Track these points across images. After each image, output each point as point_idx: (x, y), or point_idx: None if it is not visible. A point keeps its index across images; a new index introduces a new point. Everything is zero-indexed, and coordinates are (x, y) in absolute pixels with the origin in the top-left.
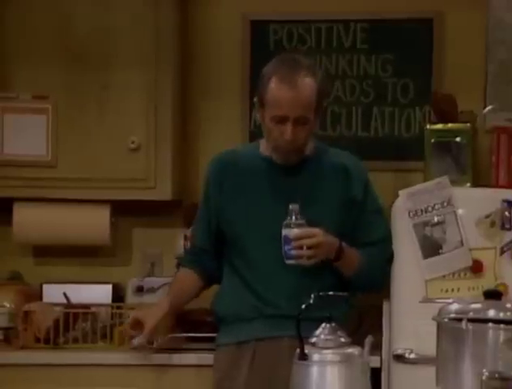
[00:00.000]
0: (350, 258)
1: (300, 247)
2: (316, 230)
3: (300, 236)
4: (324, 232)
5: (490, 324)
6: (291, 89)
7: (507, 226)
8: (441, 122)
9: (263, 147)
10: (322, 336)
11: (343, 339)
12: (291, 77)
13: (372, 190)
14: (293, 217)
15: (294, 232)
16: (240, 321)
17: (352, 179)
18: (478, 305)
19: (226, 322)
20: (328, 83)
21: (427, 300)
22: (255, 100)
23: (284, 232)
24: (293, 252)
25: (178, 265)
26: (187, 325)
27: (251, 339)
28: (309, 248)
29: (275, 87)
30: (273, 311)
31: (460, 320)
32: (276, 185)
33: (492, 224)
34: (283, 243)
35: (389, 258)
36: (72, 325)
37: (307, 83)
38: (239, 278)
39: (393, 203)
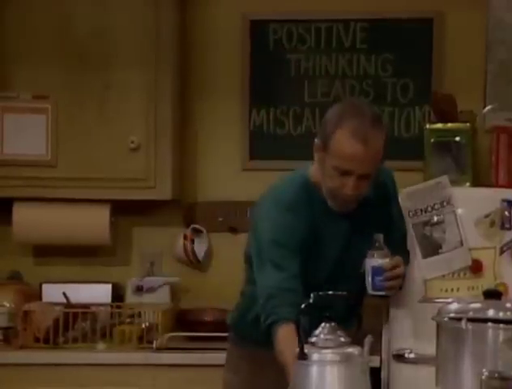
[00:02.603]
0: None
1: (392, 278)
2: (400, 259)
3: (393, 266)
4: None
5: (490, 324)
6: (361, 146)
7: (507, 226)
8: (441, 122)
9: (316, 182)
10: (322, 336)
11: (342, 339)
12: (361, 132)
13: (398, 194)
14: (378, 247)
15: (386, 262)
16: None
17: (390, 197)
18: (477, 305)
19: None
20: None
21: (426, 300)
22: (316, 141)
23: (372, 262)
24: (386, 283)
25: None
26: (186, 324)
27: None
28: (396, 278)
29: (343, 140)
30: None
31: (460, 320)
32: (338, 229)
33: (492, 223)
34: (370, 274)
35: (408, 257)
36: (72, 325)
37: (377, 139)
38: None
39: None
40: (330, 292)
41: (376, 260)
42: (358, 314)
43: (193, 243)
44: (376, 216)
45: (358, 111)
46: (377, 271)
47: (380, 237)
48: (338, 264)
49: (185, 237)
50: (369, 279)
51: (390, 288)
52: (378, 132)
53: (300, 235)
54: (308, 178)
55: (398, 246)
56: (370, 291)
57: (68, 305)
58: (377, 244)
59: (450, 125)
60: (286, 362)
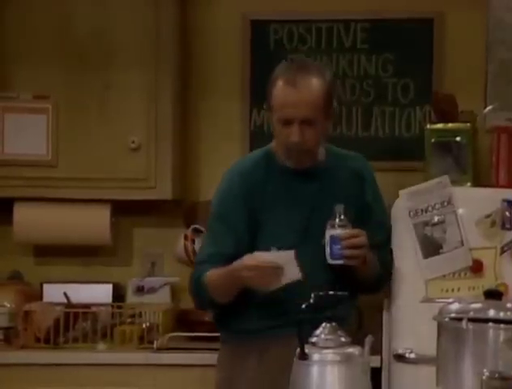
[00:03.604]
0: (370, 263)
1: (350, 247)
2: (362, 231)
3: (351, 235)
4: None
5: (490, 324)
6: (294, 90)
7: (507, 226)
8: (442, 122)
9: (277, 153)
10: (323, 336)
11: (343, 339)
12: (295, 78)
13: (378, 189)
14: (338, 218)
15: (343, 231)
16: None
17: (365, 184)
18: (478, 305)
19: (232, 330)
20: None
21: (427, 299)
22: (265, 106)
23: (331, 232)
24: (344, 252)
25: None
26: (187, 325)
27: (258, 337)
28: (356, 248)
29: (279, 89)
30: (285, 316)
31: (460, 320)
32: (293, 194)
33: (493, 223)
34: (328, 244)
35: (392, 258)
36: (72, 325)
37: (312, 84)
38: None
39: (393, 202)
40: (331, 292)
41: (334, 230)
42: (354, 308)
43: (194, 243)
44: (346, 199)
45: (295, 63)
46: (334, 240)
47: (341, 207)
48: (301, 232)
49: (185, 238)
50: (327, 248)
51: (347, 256)
52: (311, 77)
53: (246, 205)
54: (269, 149)
55: (382, 248)
56: (329, 260)
57: (69, 305)
58: (337, 215)
59: (450, 125)
60: (222, 275)
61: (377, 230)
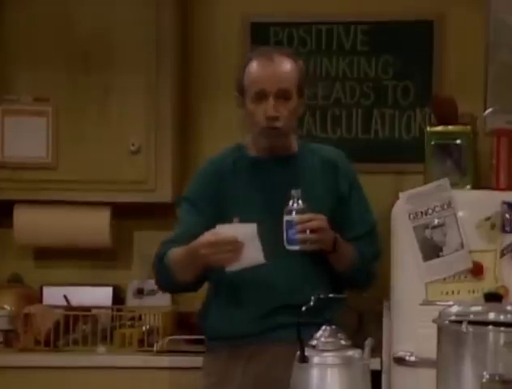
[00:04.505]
0: (344, 252)
1: (304, 231)
2: (319, 215)
3: (305, 219)
4: (325, 219)
5: (490, 327)
6: (268, 63)
7: (507, 228)
8: (442, 125)
9: (248, 146)
10: (323, 339)
11: (343, 342)
12: (268, 54)
13: (357, 183)
14: (295, 203)
15: (298, 216)
16: (233, 335)
17: (339, 174)
18: (478, 308)
19: (218, 338)
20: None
21: (427, 302)
22: (236, 94)
23: (287, 217)
24: (298, 236)
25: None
26: (187, 327)
27: (245, 343)
28: (312, 232)
29: (254, 66)
30: (270, 319)
31: (460, 323)
32: (267, 184)
33: (493, 226)
34: (285, 229)
35: (376, 254)
36: (72, 327)
37: (285, 59)
38: (227, 288)
39: (393, 205)
40: (331, 295)
41: (288, 215)
42: (341, 310)
43: None
44: (318, 188)
45: (267, 47)
46: (289, 224)
47: (298, 192)
48: (269, 220)
49: None
50: (284, 234)
51: (301, 241)
52: (284, 55)
53: (213, 190)
54: (240, 143)
55: (362, 241)
56: (286, 246)
57: (69, 307)
58: (295, 200)
59: (450, 127)
60: (183, 253)
61: (356, 223)
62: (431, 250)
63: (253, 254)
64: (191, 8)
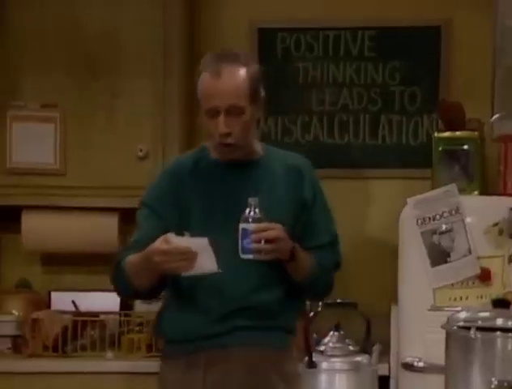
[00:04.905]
0: (302, 261)
1: (259, 241)
2: (276, 224)
3: (260, 229)
4: (283, 228)
5: (499, 333)
6: (217, 80)
7: None
8: (449, 130)
9: (210, 149)
10: (331, 344)
11: (351, 347)
12: (218, 68)
13: (321, 192)
14: (252, 211)
15: (253, 225)
16: (189, 338)
17: (303, 181)
18: (486, 314)
19: (174, 340)
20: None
21: (435, 308)
22: (196, 101)
23: (242, 225)
24: (252, 245)
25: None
26: None
27: (202, 350)
28: (267, 242)
29: (204, 82)
30: (226, 322)
31: (469, 329)
32: (227, 188)
33: (500, 232)
34: (240, 237)
35: (336, 264)
36: (80, 333)
37: (235, 72)
38: (183, 292)
39: (401, 210)
40: (339, 300)
41: (244, 224)
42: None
43: None
44: (280, 193)
45: (216, 56)
46: (244, 233)
47: (255, 200)
48: (226, 225)
49: None
50: (239, 242)
51: (256, 250)
52: (233, 65)
53: (172, 194)
54: (203, 145)
55: (323, 251)
56: (240, 254)
57: (77, 313)
58: (251, 208)
59: (457, 133)
60: (138, 259)
61: (318, 232)
62: (439, 256)
63: (206, 263)
64: (198, 13)
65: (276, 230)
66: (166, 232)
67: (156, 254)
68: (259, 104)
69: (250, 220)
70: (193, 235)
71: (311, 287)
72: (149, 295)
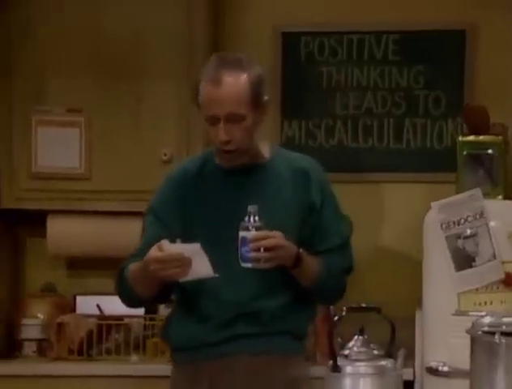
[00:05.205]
0: (308, 267)
1: (258, 249)
2: (275, 232)
3: (258, 237)
4: (283, 236)
5: None
6: (217, 88)
7: None
8: (473, 134)
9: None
10: (355, 348)
11: (376, 352)
12: (217, 76)
13: (331, 195)
14: (251, 219)
15: (252, 233)
16: (192, 346)
17: (310, 184)
18: (511, 319)
19: (179, 348)
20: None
21: (460, 312)
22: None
23: (242, 233)
24: (251, 254)
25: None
26: None
27: (207, 359)
28: (266, 250)
29: (204, 89)
30: (228, 329)
31: (493, 334)
32: (231, 194)
33: None
34: (239, 245)
35: (347, 268)
36: (105, 336)
37: (235, 79)
38: (188, 299)
39: (425, 214)
40: (363, 305)
41: (244, 231)
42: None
43: None
44: (286, 198)
45: (216, 60)
46: (243, 241)
47: (254, 208)
48: (229, 228)
49: None
50: (239, 250)
51: (254, 259)
52: (234, 71)
53: (177, 199)
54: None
55: (332, 255)
56: (240, 262)
57: (102, 316)
58: (251, 216)
59: (482, 137)
60: (138, 267)
61: (328, 235)
62: (463, 260)
63: (201, 268)
64: (223, 17)
65: (276, 238)
66: (172, 235)
67: (151, 262)
68: (262, 108)
69: (249, 227)
70: (186, 241)
71: (320, 292)
72: (153, 302)
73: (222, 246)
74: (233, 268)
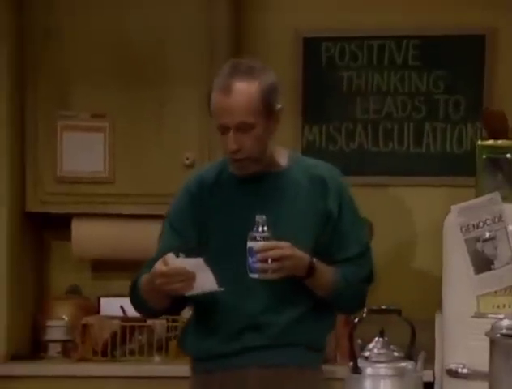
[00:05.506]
0: (323, 277)
1: (265, 260)
2: (283, 243)
3: (266, 248)
4: (292, 246)
5: None
6: (227, 97)
7: None
8: (492, 139)
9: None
10: (375, 350)
11: (396, 354)
12: (228, 85)
13: (350, 202)
14: (259, 229)
15: (259, 243)
16: (204, 357)
17: (328, 191)
18: None
19: (195, 358)
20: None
21: (479, 315)
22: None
23: (249, 244)
24: (258, 265)
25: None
26: None
27: (219, 370)
28: (274, 261)
29: (215, 98)
30: (238, 342)
31: None
32: (245, 202)
33: None
34: (247, 256)
35: (366, 278)
36: (129, 338)
37: (246, 88)
38: (201, 309)
39: (445, 218)
40: (383, 307)
41: (252, 242)
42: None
43: None
44: (302, 206)
45: (228, 68)
46: (251, 251)
47: (262, 218)
48: (243, 237)
49: None
50: (248, 261)
51: (261, 270)
52: (245, 80)
53: (194, 208)
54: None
55: (352, 263)
56: (248, 272)
57: (125, 318)
58: (259, 226)
59: (501, 141)
60: (148, 280)
61: (346, 243)
62: (482, 263)
63: (205, 282)
64: (244, 21)
65: (283, 249)
66: (186, 249)
67: (157, 276)
68: (275, 117)
69: (257, 238)
70: (200, 251)
71: (337, 301)
72: (166, 314)
73: (234, 256)
74: (245, 279)
